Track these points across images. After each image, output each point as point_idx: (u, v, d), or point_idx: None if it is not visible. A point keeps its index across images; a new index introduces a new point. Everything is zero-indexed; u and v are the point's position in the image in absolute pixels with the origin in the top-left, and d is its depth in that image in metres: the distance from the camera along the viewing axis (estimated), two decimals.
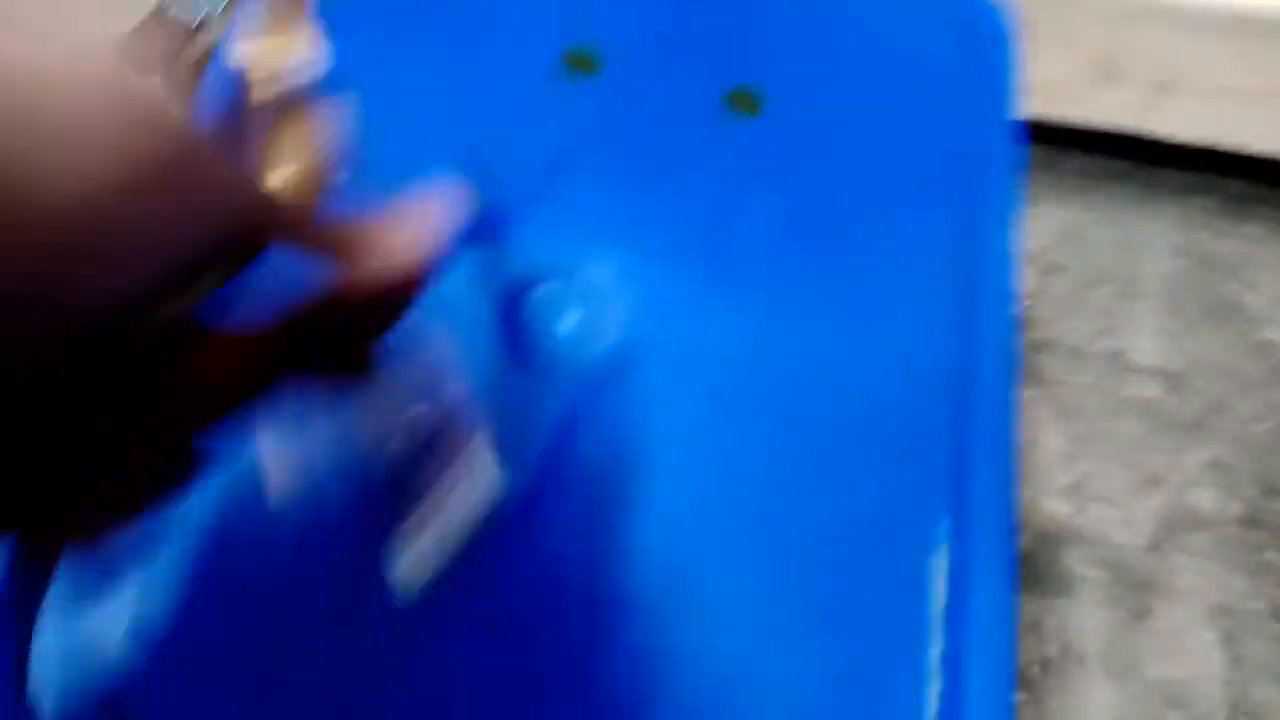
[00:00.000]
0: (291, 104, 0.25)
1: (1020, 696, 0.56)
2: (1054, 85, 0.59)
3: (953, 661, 0.24)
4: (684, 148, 0.32)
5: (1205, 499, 0.60)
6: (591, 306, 0.30)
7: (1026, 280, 0.66)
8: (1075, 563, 0.59)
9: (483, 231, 0.30)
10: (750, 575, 0.26)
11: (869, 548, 0.26)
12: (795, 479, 0.27)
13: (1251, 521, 0.60)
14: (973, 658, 0.24)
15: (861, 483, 0.27)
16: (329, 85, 0.33)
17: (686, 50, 0.33)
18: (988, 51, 0.33)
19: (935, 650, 0.25)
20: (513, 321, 0.29)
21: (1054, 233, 0.68)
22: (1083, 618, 0.57)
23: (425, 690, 0.24)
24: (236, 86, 0.26)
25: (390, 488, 0.25)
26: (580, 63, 0.33)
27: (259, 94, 0.26)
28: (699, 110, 0.32)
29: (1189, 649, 0.57)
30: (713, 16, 0.33)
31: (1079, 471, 0.61)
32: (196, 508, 0.26)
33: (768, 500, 0.27)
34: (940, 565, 0.26)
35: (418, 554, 0.24)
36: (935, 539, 0.26)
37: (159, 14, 0.30)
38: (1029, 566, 0.58)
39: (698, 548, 0.26)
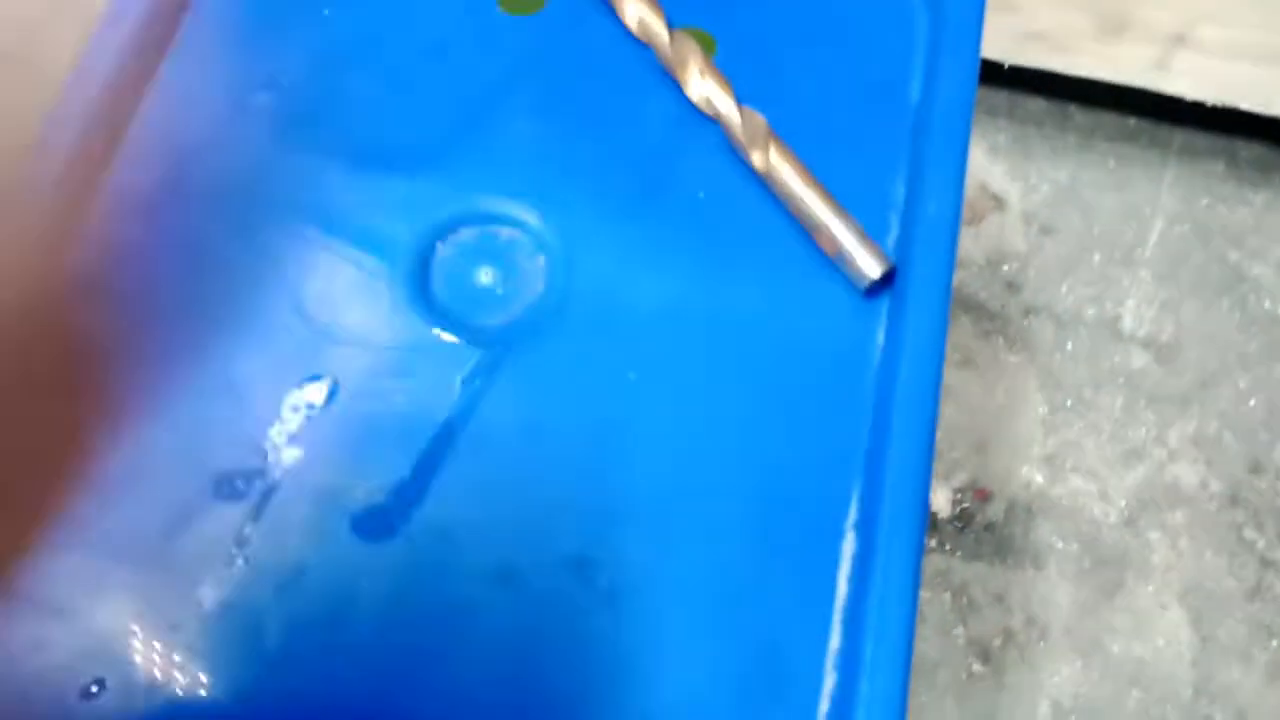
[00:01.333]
0: None
1: (980, 669, 0.55)
2: (1058, 34, 0.56)
3: (850, 655, 0.23)
4: (624, 94, 0.30)
5: (1187, 475, 0.59)
6: (511, 259, 0.28)
7: (1017, 242, 0.64)
8: (1047, 534, 0.57)
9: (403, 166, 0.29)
10: (658, 549, 0.25)
11: (778, 526, 0.25)
12: (708, 452, 0.26)
13: (1233, 499, 0.58)
14: (870, 651, 0.22)
15: (774, 458, 0.26)
16: (264, 16, 0.31)
17: None
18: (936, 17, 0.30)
19: (834, 641, 0.23)
20: (421, 270, 0.28)
21: (1051, 192, 0.65)
22: (1050, 591, 0.56)
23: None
24: None
25: None
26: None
27: None
28: (643, 54, 0.30)
29: (1157, 627, 0.55)
30: None
31: (1058, 441, 0.59)
32: None
33: (679, 468, 0.26)
34: (847, 551, 0.25)
35: None
36: (843, 525, 0.25)
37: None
38: (998, 536, 0.57)
39: (606, 522, 0.25)
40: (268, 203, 0.28)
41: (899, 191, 0.29)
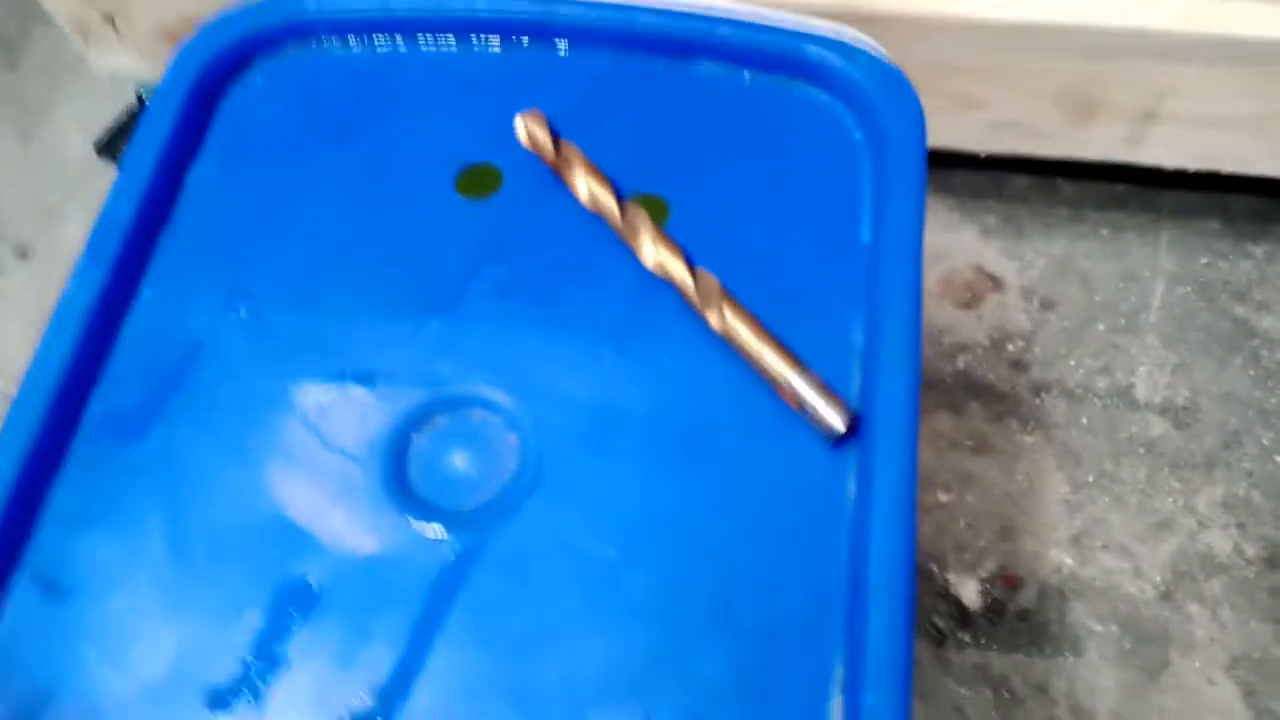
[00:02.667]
0: None
1: None
2: (1028, 122, 0.57)
3: None
4: (581, 266, 0.31)
5: (1220, 541, 0.58)
6: (484, 440, 0.29)
7: (1019, 320, 0.64)
8: (1083, 617, 0.56)
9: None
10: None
11: (763, 693, 0.25)
12: (688, 622, 0.26)
13: (1271, 562, 0.57)
14: None
15: (754, 623, 0.26)
16: (231, 211, 0.32)
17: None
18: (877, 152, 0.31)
19: None
20: (398, 463, 0.29)
21: (1047, 267, 0.65)
22: (1093, 676, 0.55)
23: None
24: None
25: None
26: (478, 182, 0.32)
27: None
28: (601, 224, 0.31)
29: (1208, 705, 0.54)
30: (615, 131, 0.33)
31: (1084, 519, 0.58)
32: None
33: (659, 641, 0.26)
34: (835, 712, 0.24)
35: None
36: (829, 687, 0.25)
37: None
38: (1032, 624, 0.56)
39: (589, 704, 0.25)
40: (247, 416, 0.29)
41: (858, 337, 0.29)
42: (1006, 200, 0.67)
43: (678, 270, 0.30)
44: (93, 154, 0.72)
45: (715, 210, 0.31)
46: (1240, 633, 0.55)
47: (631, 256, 0.30)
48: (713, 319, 0.29)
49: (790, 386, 0.28)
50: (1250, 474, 0.59)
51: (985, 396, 0.62)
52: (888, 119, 0.31)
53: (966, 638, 0.56)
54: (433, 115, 0.33)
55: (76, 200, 0.72)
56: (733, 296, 0.29)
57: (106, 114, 0.73)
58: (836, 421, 0.27)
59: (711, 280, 0.29)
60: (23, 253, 0.72)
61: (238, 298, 0.31)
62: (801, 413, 0.28)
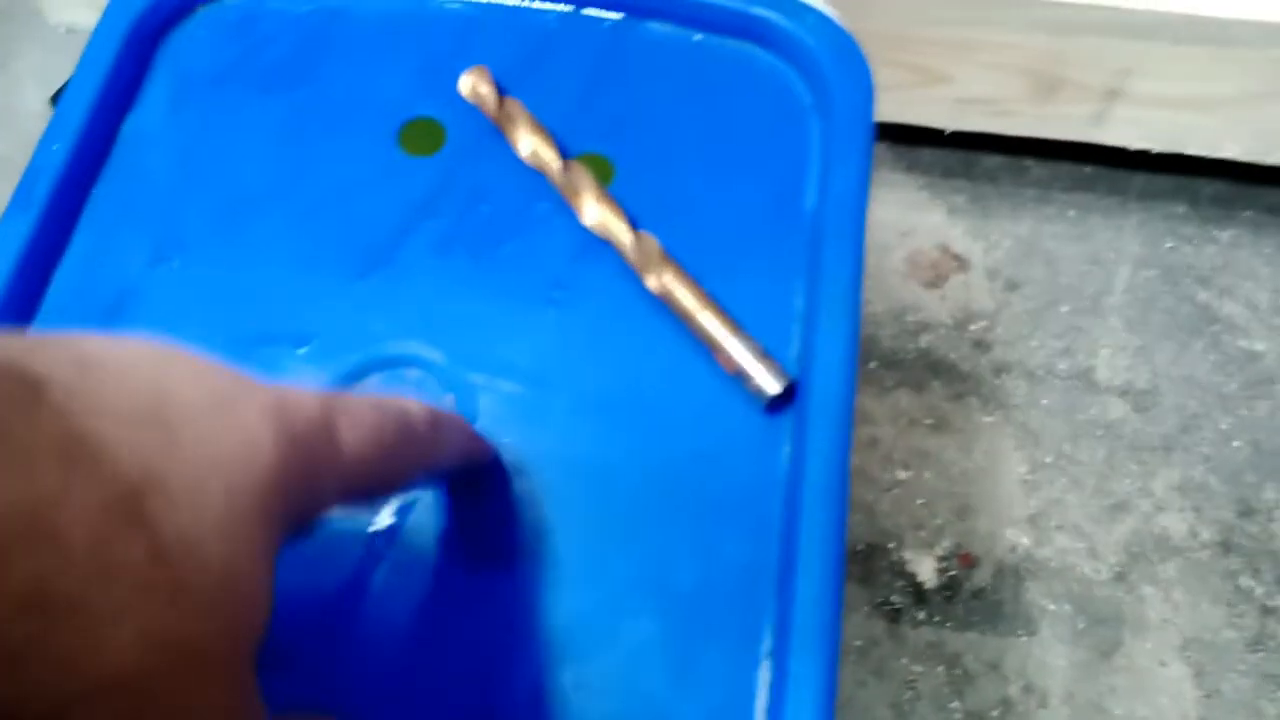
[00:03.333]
0: None
1: None
2: (994, 99, 0.57)
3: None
4: (521, 225, 0.30)
5: (1176, 524, 0.58)
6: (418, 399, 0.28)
7: (983, 300, 0.64)
8: (1038, 597, 0.56)
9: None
10: (572, 686, 0.24)
11: (693, 656, 0.25)
12: (618, 581, 0.26)
13: (1225, 546, 0.57)
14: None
15: (685, 585, 0.25)
16: (167, 159, 0.31)
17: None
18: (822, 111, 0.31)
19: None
20: None
21: (1013, 247, 0.65)
22: (1046, 655, 0.55)
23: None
24: None
25: None
26: (421, 137, 0.32)
27: None
28: (543, 182, 0.31)
29: (1159, 685, 0.54)
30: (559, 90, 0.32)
31: (1041, 500, 0.59)
32: None
33: (588, 600, 0.25)
34: (764, 680, 0.24)
35: None
36: (758, 652, 0.25)
37: None
38: (988, 602, 0.56)
39: (515, 665, 0.25)
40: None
41: (799, 302, 0.29)
42: (975, 180, 0.67)
43: (618, 230, 0.29)
44: (49, 108, 0.71)
45: (660, 171, 0.31)
46: (1192, 615, 0.56)
47: (572, 216, 0.30)
48: (650, 281, 0.28)
49: (725, 350, 0.27)
50: (1207, 458, 0.59)
51: (946, 375, 0.62)
52: (836, 83, 0.31)
53: (921, 615, 0.56)
54: (377, 67, 0.33)
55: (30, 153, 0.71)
56: (673, 259, 0.29)
57: (63, 67, 0.72)
58: (771, 385, 0.27)
59: (651, 241, 0.29)
60: None
61: (170, 248, 0.30)
62: (737, 377, 0.27)
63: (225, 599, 0.16)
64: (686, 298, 0.28)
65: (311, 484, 0.19)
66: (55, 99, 0.71)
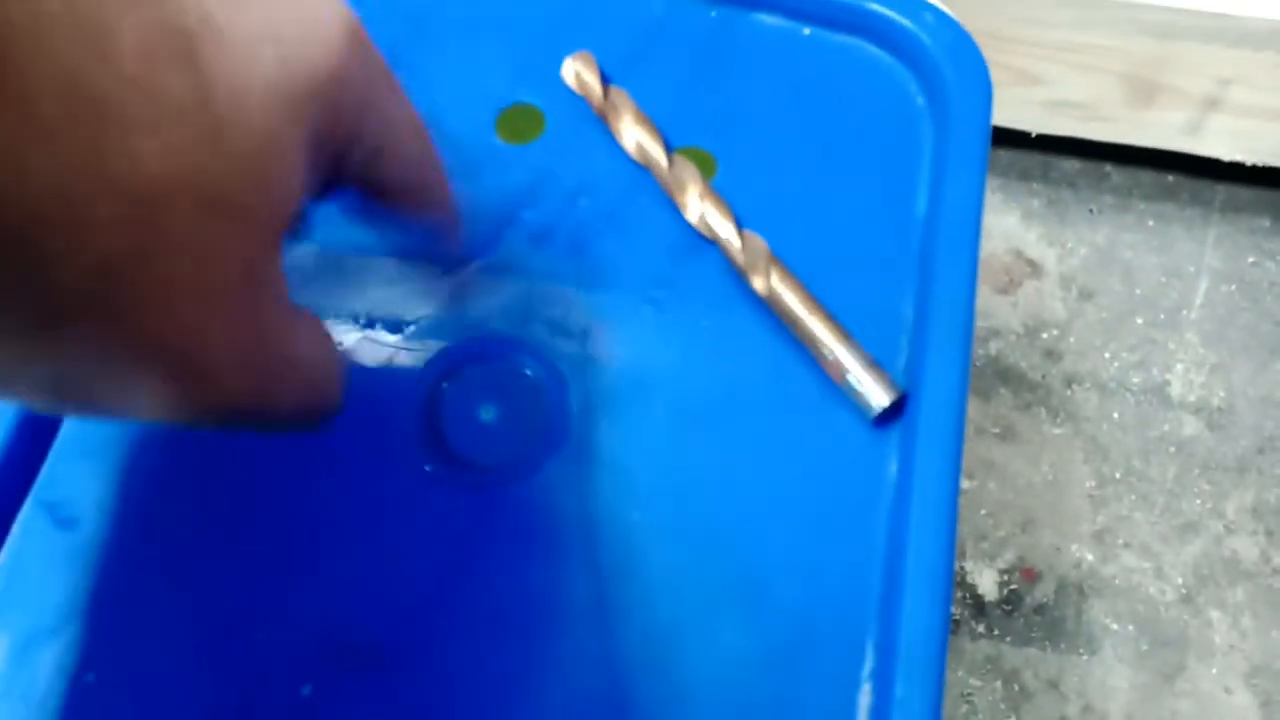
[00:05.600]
0: None
1: None
2: (1087, 103, 0.55)
3: None
4: (623, 219, 0.30)
5: (1247, 547, 0.56)
6: (517, 395, 0.28)
7: (1056, 308, 0.62)
8: (1101, 615, 0.55)
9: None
10: (665, 702, 0.24)
11: (789, 676, 0.24)
12: (713, 597, 0.25)
13: None
14: None
15: (783, 603, 0.25)
16: None
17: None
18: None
19: None
20: (426, 413, 0.27)
21: (1089, 255, 0.64)
22: (1107, 676, 0.54)
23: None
24: None
25: None
26: (520, 124, 0.31)
27: None
28: (645, 175, 0.30)
29: (1223, 713, 0.53)
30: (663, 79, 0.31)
31: (1109, 516, 0.57)
32: None
33: (683, 614, 0.25)
34: (864, 704, 0.23)
35: None
36: (859, 675, 0.24)
37: None
38: (1049, 618, 0.55)
39: (610, 676, 0.24)
40: None
41: (908, 311, 0.28)
42: (1052, 183, 0.65)
43: (724, 228, 0.28)
44: None
45: (764, 169, 0.30)
46: (1261, 642, 0.54)
47: (675, 211, 0.29)
48: (757, 282, 0.27)
49: (835, 358, 0.26)
50: None
51: (1015, 384, 0.60)
52: (953, 86, 0.29)
53: (980, 628, 0.55)
54: (478, 50, 0.32)
55: None
56: (780, 261, 0.28)
57: None
58: (880, 397, 0.26)
59: (759, 241, 0.28)
60: None
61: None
62: (844, 386, 0.26)
63: (259, 163, 0.16)
64: (794, 302, 0.27)
65: (350, 104, 0.19)
66: None
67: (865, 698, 0.24)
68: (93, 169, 0.14)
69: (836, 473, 0.26)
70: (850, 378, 0.26)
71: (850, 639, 0.24)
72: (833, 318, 0.27)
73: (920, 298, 0.28)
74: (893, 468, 0.26)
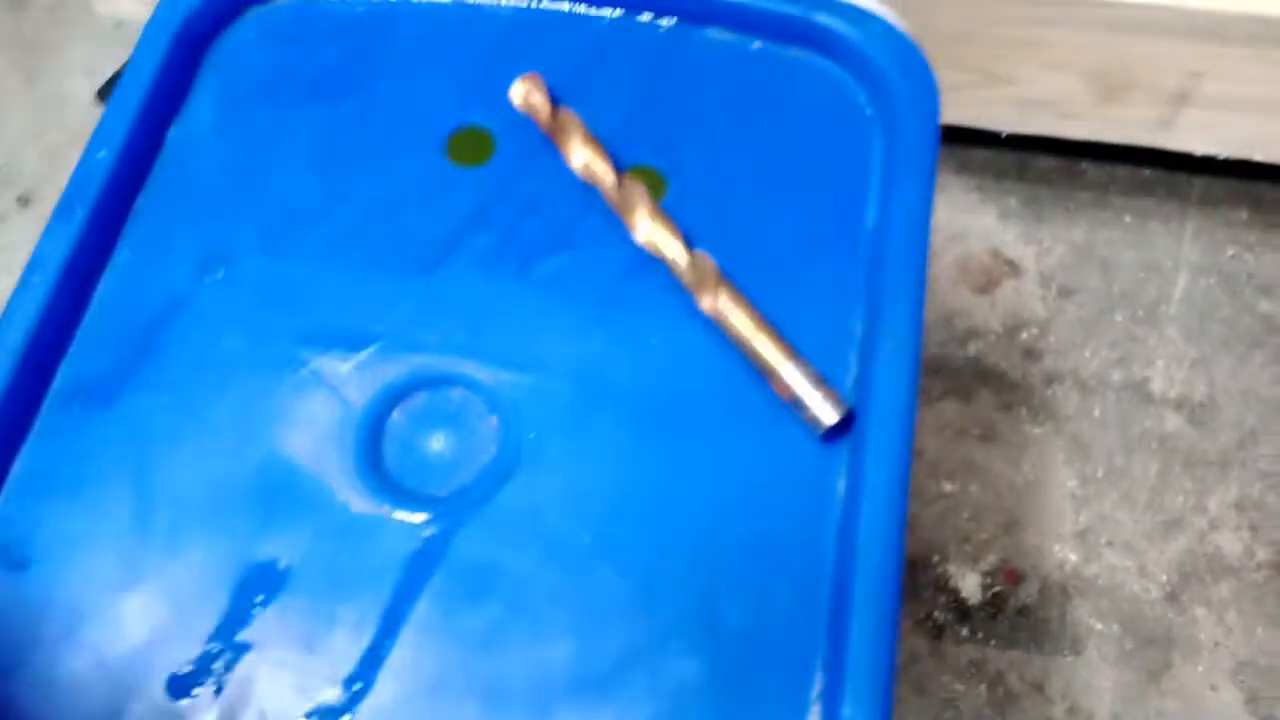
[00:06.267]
0: None
1: None
2: (1058, 101, 0.55)
3: None
4: (572, 240, 0.29)
5: (1231, 543, 0.56)
6: (463, 421, 0.28)
7: (1035, 307, 0.62)
8: (1085, 615, 0.55)
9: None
10: None
11: (738, 695, 0.24)
12: (664, 618, 0.25)
13: None
14: None
15: (732, 622, 0.25)
16: (214, 166, 0.31)
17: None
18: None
19: None
20: (373, 442, 0.27)
21: (1067, 253, 0.63)
22: (1092, 676, 0.53)
23: None
24: None
25: None
26: (470, 146, 0.31)
27: None
28: (595, 195, 0.30)
29: (1210, 710, 0.53)
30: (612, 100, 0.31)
31: (1091, 515, 0.57)
32: None
33: (634, 635, 0.25)
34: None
35: None
36: (808, 696, 0.24)
37: None
38: (1033, 620, 0.55)
39: (561, 700, 0.24)
40: (220, 386, 0.28)
41: (856, 327, 0.28)
42: (1029, 182, 0.65)
43: (671, 248, 0.28)
44: (96, 100, 0.71)
45: (715, 184, 0.30)
46: (1246, 638, 0.54)
47: (624, 232, 0.29)
48: (705, 301, 0.27)
49: (780, 377, 0.26)
50: (1266, 475, 0.58)
51: (996, 384, 0.60)
52: (900, 94, 0.29)
53: (964, 632, 0.54)
54: (427, 73, 0.32)
55: (81, 147, 0.71)
56: (728, 280, 0.28)
57: (112, 59, 0.72)
58: (828, 414, 0.26)
59: (707, 261, 0.28)
60: (26, 200, 0.70)
61: (215, 259, 0.30)
62: (793, 404, 0.26)
63: None
64: (741, 321, 0.27)
65: None
66: (103, 92, 0.71)
67: (814, 719, 0.23)
68: None
69: (785, 491, 0.26)
70: (798, 396, 0.26)
71: (798, 659, 0.24)
72: (781, 336, 0.27)
73: (870, 311, 0.28)
74: (841, 485, 0.26)
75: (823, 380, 0.26)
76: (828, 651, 0.24)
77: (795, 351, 0.27)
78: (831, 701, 0.23)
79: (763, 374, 0.27)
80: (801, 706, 0.24)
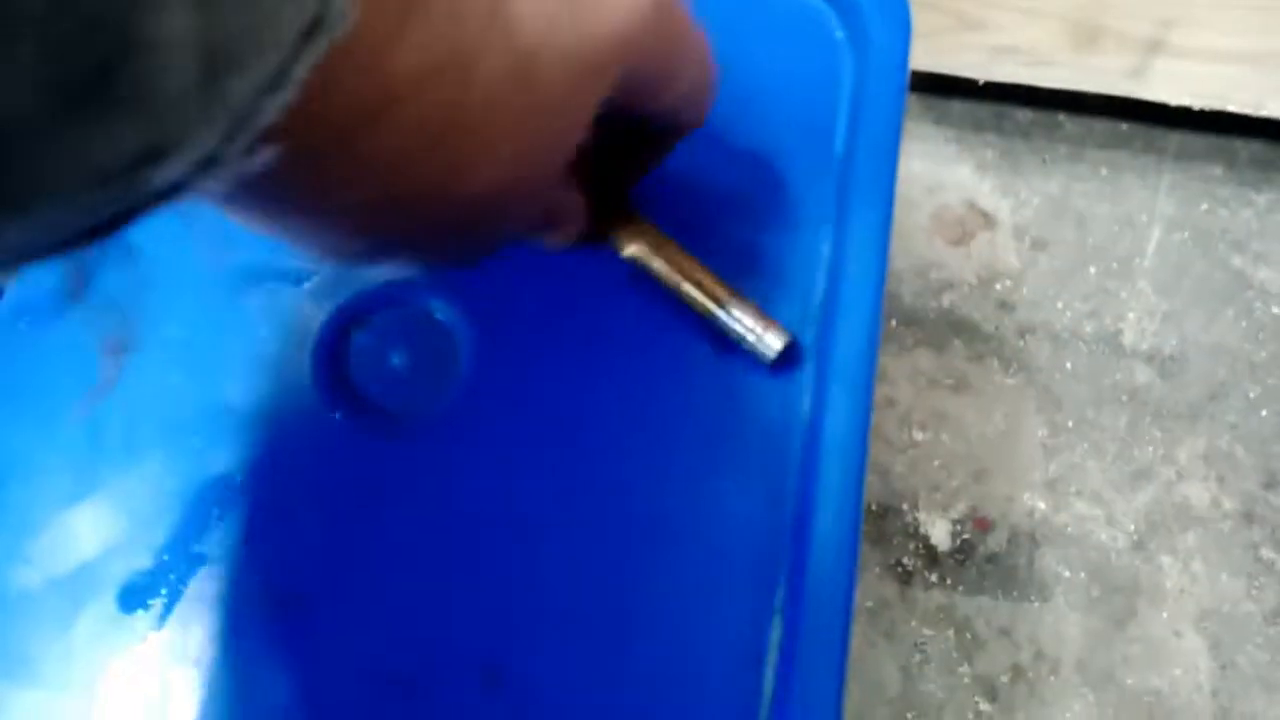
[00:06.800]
0: None
1: (988, 708, 0.53)
2: (1030, 48, 0.54)
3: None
4: None
5: (1198, 494, 0.56)
6: (426, 345, 0.27)
7: (1009, 259, 0.62)
8: (1053, 563, 0.55)
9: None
10: (574, 651, 0.24)
11: (700, 617, 0.24)
12: (627, 543, 0.25)
13: (1247, 517, 0.56)
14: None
15: (695, 545, 0.24)
16: None
17: None
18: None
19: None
20: (334, 358, 0.27)
21: (1042, 206, 0.63)
22: (1059, 622, 0.54)
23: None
24: None
25: None
26: None
27: None
28: None
29: (1173, 656, 0.53)
30: None
31: (1061, 465, 0.57)
32: None
33: (596, 561, 0.24)
34: (774, 640, 0.23)
35: None
36: (770, 608, 0.24)
37: None
38: (1002, 567, 0.55)
39: (518, 625, 0.24)
40: (178, 302, 0.27)
41: (825, 250, 0.27)
42: (1006, 134, 0.65)
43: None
44: None
45: None
46: (1211, 586, 0.55)
47: None
48: (629, 248, 0.27)
49: (724, 316, 0.26)
50: (1234, 427, 0.58)
51: (968, 335, 0.60)
52: (871, 17, 0.29)
53: (933, 578, 0.55)
54: None
55: None
56: (648, 222, 0.27)
57: None
58: (774, 343, 0.25)
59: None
60: None
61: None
62: (740, 341, 0.26)
63: (555, 120, 0.19)
64: (664, 267, 0.26)
65: (650, 72, 0.21)
66: None
67: (775, 631, 0.23)
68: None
69: (747, 413, 0.26)
70: (741, 331, 0.26)
71: (761, 574, 0.24)
72: (717, 277, 0.26)
73: (837, 236, 0.27)
74: (805, 404, 0.26)
75: (765, 314, 0.26)
76: (791, 565, 0.24)
77: (735, 291, 0.26)
78: (791, 615, 0.23)
79: (707, 318, 0.26)
80: (764, 618, 0.23)
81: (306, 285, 0.28)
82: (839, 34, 0.30)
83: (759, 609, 0.24)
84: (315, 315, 0.27)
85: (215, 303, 0.27)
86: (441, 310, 0.27)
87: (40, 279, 0.28)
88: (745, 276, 0.27)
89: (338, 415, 0.26)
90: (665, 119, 0.23)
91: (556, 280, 0.27)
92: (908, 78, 0.29)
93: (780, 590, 0.24)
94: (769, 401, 0.26)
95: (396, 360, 0.27)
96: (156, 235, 0.28)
